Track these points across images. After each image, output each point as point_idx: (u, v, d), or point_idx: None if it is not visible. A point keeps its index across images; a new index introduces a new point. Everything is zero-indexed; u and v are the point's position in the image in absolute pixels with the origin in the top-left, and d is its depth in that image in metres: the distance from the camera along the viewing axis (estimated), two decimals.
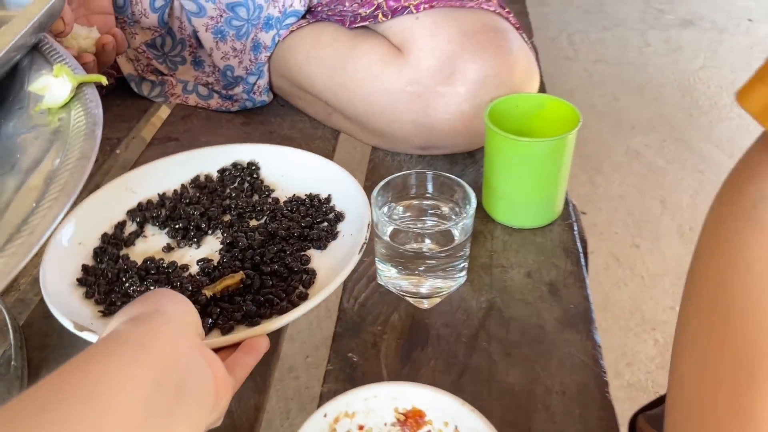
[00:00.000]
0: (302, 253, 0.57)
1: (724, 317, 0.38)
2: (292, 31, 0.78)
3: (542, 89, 0.86)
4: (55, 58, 0.46)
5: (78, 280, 0.55)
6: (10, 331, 0.50)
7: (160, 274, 0.56)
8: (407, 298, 0.58)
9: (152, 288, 0.54)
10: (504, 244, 0.63)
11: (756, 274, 0.38)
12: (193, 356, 0.35)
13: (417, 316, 0.56)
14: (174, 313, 0.37)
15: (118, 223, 0.61)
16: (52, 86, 0.42)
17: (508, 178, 0.62)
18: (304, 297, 0.52)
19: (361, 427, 0.42)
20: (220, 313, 0.51)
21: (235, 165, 0.68)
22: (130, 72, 0.86)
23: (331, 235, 0.59)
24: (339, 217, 0.60)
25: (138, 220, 0.62)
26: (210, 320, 0.50)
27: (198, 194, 0.65)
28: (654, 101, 2.18)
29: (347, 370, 0.51)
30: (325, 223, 0.60)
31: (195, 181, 0.67)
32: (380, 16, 0.70)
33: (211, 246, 0.60)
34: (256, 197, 0.65)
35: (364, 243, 0.54)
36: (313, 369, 1.27)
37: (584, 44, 2.60)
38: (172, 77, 0.87)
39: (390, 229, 0.56)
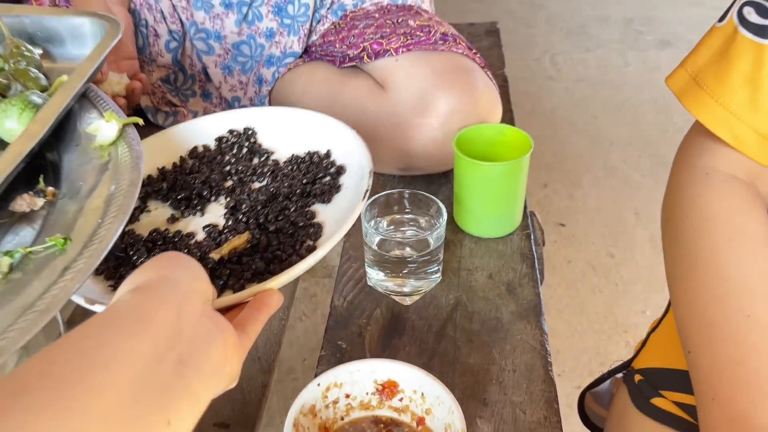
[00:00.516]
0: (307, 209, 0.58)
1: (695, 250, 0.53)
2: (290, 69, 0.89)
3: (510, 116, 0.98)
4: (101, 104, 0.57)
5: None
6: (61, 327, 0.60)
7: (166, 244, 0.56)
8: (393, 297, 0.69)
9: None
10: (471, 251, 0.74)
11: (715, 219, 0.52)
12: (200, 325, 0.35)
13: (396, 311, 0.67)
14: (181, 280, 0.37)
15: None
16: (103, 128, 0.53)
17: (474, 195, 0.74)
18: (312, 249, 0.53)
19: (347, 395, 0.53)
20: (230, 274, 0.51)
21: (231, 132, 0.68)
22: (147, 104, 0.98)
23: (335, 188, 0.60)
24: (340, 170, 0.62)
25: (140, 195, 0.59)
26: (221, 282, 0.50)
27: (197, 164, 0.65)
28: (631, 119, 2.31)
29: (337, 355, 0.62)
30: (328, 178, 0.60)
31: (193, 152, 0.67)
32: (365, 57, 0.82)
33: (215, 212, 0.60)
34: (256, 160, 0.65)
35: (366, 190, 0.54)
36: (310, 371, 1.38)
37: (567, 64, 2.73)
38: (183, 108, 0.99)
39: (377, 239, 0.67)
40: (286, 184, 0.60)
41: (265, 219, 0.56)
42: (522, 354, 0.62)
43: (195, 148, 0.67)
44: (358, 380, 0.53)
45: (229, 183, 0.62)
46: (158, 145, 0.66)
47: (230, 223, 0.57)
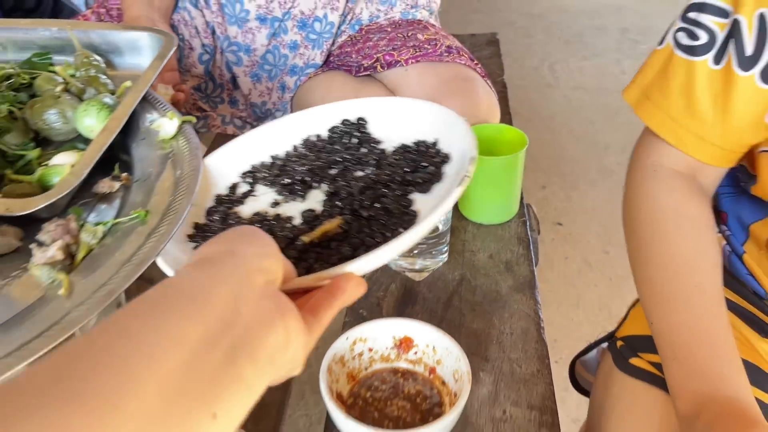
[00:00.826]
0: (404, 197, 0.56)
1: (650, 237, 0.62)
2: (310, 77, 1.00)
3: (508, 119, 1.08)
4: (159, 106, 0.68)
5: (188, 236, 0.57)
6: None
7: (264, 226, 0.56)
8: (406, 273, 0.78)
9: None
10: (473, 235, 0.84)
11: (665, 209, 0.61)
12: (260, 307, 0.32)
13: (408, 285, 0.77)
14: (248, 256, 0.35)
15: (232, 184, 0.64)
16: (165, 125, 0.63)
17: (476, 186, 0.84)
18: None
19: (370, 349, 0.63)
20: (317, 257, 0.50)
21: (344, 122, 0.68)
22: (180, 110, 1.08)
23: (436, 177, 0.57)
24: (445, 159, 0.59)
25: (249, 180, 0.63)
26: (306, 264, 0.50)
27: (307, 152, 0.66)
28: (626, 124, 2.41)
29: (359, 321, 0.72)
30: (431, 167, 0.58)
31: (306, 141, 0.68)
32: (379, 67, 0.92)
33: (316, 198, 0.59)
34: (364, 150, 0.64)
35: (465, 176, 0.51)
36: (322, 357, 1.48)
37: (564, 72, 2.84)
38: (213, 113, 1.09)
39: None
40: (387, 172, 0.58)
41: (360, 205, 0.55)
42: (518, 320, 0.72)
43: (308, 137, 0.68)
44: (379, 336, 0.63)
45: (334, 171, 0.62)
46: (273, 135, 0.68)
47: (327, 208, 0.57)
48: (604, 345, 0.80)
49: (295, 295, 0.41)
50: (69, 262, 0.50)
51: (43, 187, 0.56)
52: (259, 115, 1.06)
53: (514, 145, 0.85)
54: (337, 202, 0.56)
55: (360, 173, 0.61)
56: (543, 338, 0.70)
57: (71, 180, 0.54)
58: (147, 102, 0.69)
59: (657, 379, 0.67)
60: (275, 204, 0.60)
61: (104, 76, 0.68)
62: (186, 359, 0.27)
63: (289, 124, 0.68)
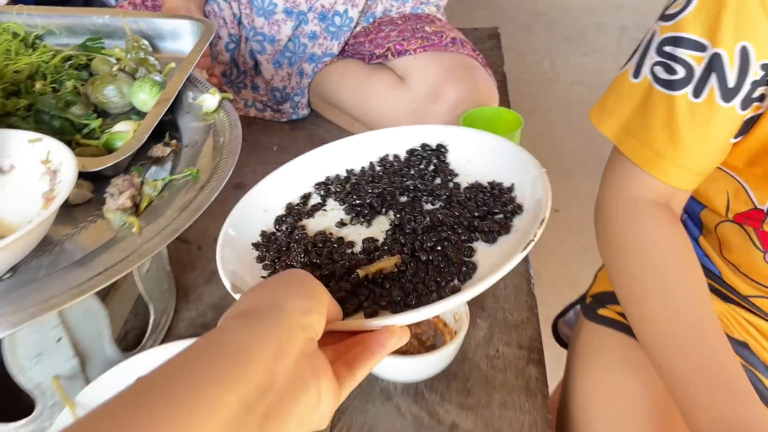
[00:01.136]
0: (467, 245, 0.53)
1: (643, 274, 0.61)
2: (326, 65, 1.09)
3: (507, 106, 1.18)
4: (199, 84, 0.78)
5: (253, 244, 0.58)
6: (166, 266, 0.80)
7: (325, 248, 0.55)
8: None
9: (315, 261, 0.54)
10: None
11: (654, 243, 0.61)
12: (297, 369, 0.34)
13: None
14: (292, 312, 0.36)
15: (304, 194, 0.64)
16: (207, 100, 0.73)
17: None
18: (455, 290, 0.49)
19: None
20: (368, 296, 0.49)
21: (424, 146, 0.67)
22: None
23: (504, 228, 0.54)
24: (517, 209, 0.55)
25: (322, 193, 0.64)
26: (357, 301, 0.49)
27: (382, 173, 0.64)
28: None
29: None
30: (501, 215, 0.55)
31: (383, 160, 0.66)
32: (390, 55, 1.02)
33: (381, 226, 0.58)
34: (438, 180, 0.62)
35: (531, 241, 0.47)
36: None
37: (564, 68, 2.93)
38: (237, 97, 1.19)
39: None
40: (456, 213, 0.56)
41: (420, 246, 0.53)
42: (513, 278, 0.81)
43: (386, 156, 0.67)
44: None
45: (404, 199, 0.61)
46: (352, 148, 0.67)
47: (389, 241, 0.55)
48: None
49: (336, 336, 0.43)
50: (134, 210, 0.60)
51: (108, 150, 0.66)
52: (278, 99, 1.16)
53: (512, 125, 0.95)
54: (399, 236, 0.55)
55: (429, 206, 0.59)
56: (533, 292, 0.80)
57: (134, 143, 0.64)
58: (189, 81, 0.79)
59: (619, 325, 0.77)
60: (341, 224, 0.60)
61: (152, 58, 0.78)
62: (221, 428, 0.28)
63: (369, 140, 0.68)
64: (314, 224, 0.60)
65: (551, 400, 0.68)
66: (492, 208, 0.56)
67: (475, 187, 0.60)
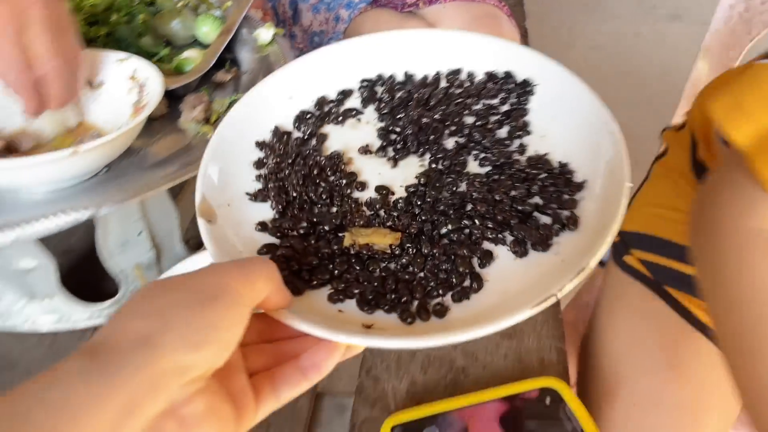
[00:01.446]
0: (487, 249, 0.40)
1: (759, 321, 0.49)
2: (361, 12, 1.18)
3: None
4: (252, 21, 0.86)
5: (257, 144, 0.48)
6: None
7: (334, 180, 0.45)
8: None
9: (311, 196, 0.44)
10: None
11: None
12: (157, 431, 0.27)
13: None
14: (167, 349, 0.27)
15: (344, 90, 0.51)
16: (262, 33, 0.81)
17: None
18: (442, 313, 0.37)
19: None
20: (341, 274, 0.39)
21: (507, 75, 0.51)
22: None
23: (542, 243, 0.40)
24: (571, 223, 0.41)
25: (365, 95, 0.51)
26: (326, 275, 0.39)
27: (443, 95, 0.50)
28: (638, 83, 2.56)
29: None
30: (549, 220, 0.41)
31: (455, 73, 0.52)
32: (421, 4, 1.09)
33: (407, 172, 0.46)
34: (504, 131, 0.48)
35: (552, 296, 0.34)
36: None
37: (582, 34, 2.98)
38: None
39: None
40: (496, 196, 0.42)
41: (431, 228, 0.41)
42: None
43: (460, 69, 0.52)
44: None
45: (451, 143, 0.47)
46: (420, 45, 0.53)
47: (402, 202, 0.43)
48: None
49: (280, 327, 0.35)
50: (206, 122, 0.69)
51: (179, 73, 0.75)
52: (316, 44, 1.24)
53: None
54: (416, 201, 0.43)
55: (475, 165, 0.46)
56: None
57: (203, 66, 0.73)
58: (245, 18, 0.88)
59: (640, 275, 0.82)
60: (365, 150, 0.48)
61: None
62: None
63: (446, 41, 0.53)
64: (337, 137, 0.49)
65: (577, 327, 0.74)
66: (544, 205, 0.42)
67: (542, 163, 0.45)
